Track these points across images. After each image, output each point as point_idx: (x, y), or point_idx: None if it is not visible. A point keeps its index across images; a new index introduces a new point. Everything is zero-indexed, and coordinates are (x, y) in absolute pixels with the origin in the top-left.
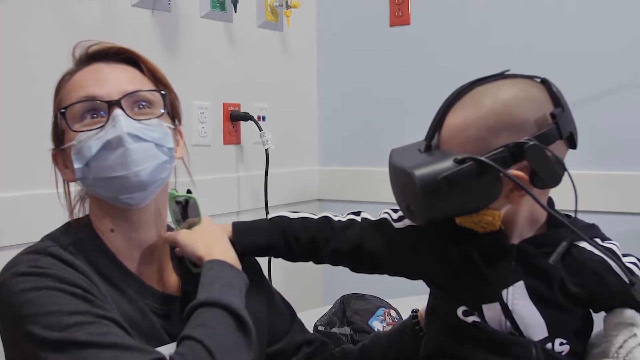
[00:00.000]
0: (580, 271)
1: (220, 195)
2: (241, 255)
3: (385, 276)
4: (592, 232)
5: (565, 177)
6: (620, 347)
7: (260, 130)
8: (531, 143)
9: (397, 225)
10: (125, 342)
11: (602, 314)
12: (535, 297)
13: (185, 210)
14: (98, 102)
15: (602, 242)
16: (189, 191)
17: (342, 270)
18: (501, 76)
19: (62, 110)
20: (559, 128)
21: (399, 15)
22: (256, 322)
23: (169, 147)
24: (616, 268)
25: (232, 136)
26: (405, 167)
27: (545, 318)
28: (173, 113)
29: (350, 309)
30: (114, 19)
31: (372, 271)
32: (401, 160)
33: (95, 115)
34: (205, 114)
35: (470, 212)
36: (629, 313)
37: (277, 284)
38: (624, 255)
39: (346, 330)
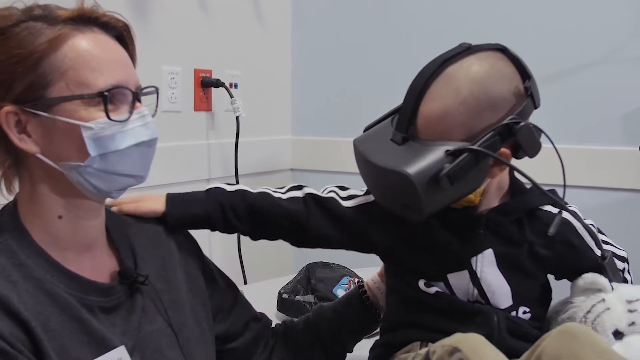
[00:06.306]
0: (547, 233)
1: (189, 162)
2: (175, 228)
3: None
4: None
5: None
6: (589, 312)
7: (232, 97)
8: (522, 123)
9: (345, 204)
10: None
11: (562, 284)
12: (504, 264)
13: None
14: (127, 91)
15: None
16: None
17: None
18: (464, 52)
19: (106, 94)
20: (534, 99)
21: None
22: (199, 295)
23: None
24: (580, 229)
25: (202, 103)
26: (393, 167)
27: (511, 286)
28: None
29: (315, 277)
30: None
31: (316, 246)
32: (379, 156)
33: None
34: (176, 79)
35: (465, 196)
36: (597, 278)
37: (247, 251)
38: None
39: (310, 298)
